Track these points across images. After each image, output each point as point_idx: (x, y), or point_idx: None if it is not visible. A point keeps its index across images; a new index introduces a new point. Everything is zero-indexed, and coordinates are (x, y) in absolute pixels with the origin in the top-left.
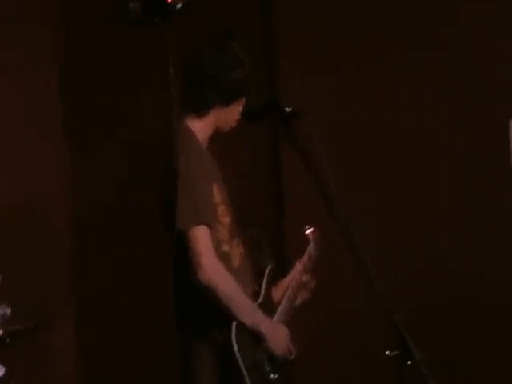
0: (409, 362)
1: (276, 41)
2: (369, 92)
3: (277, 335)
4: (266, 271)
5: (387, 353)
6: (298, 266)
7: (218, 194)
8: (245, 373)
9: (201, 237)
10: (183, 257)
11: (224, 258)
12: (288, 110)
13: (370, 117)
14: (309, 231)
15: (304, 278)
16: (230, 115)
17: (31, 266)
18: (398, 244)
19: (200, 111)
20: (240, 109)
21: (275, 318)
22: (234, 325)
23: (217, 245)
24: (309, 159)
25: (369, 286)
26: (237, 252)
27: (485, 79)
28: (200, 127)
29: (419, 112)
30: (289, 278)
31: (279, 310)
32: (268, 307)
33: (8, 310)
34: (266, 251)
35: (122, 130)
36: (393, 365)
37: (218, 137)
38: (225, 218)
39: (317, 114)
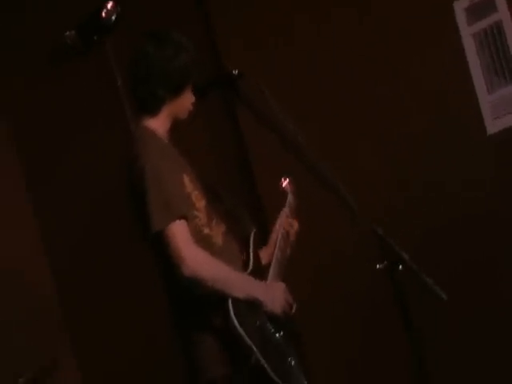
0: (400, 267)
1: (215, 25)
2: (308, 57)
3: (273, 295)
4: (251, 237)
5: (378, 266)
6: (281, 218)
7: (188, 182)
8: (250, 343)
9: (177, 232)
10: (166, 258)
11: (206, 240)
12: (235, 71)
13: (313, 80)
14: (285, 183)
15: (288, 224)
16: (183, 103)
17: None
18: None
19: (153, 110)
20: (191, 92)
21: (269, 278)
22: (229, 302)
23: (197, 231)
24: (266, 116)
25: (349, 210)
26: (218, 231)
27: None
28: (158, 124)
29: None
30: (274, 234)
31: (271, 268)
32: (259, 271)
33: None
34: (246, 219)
35: (80, 161)
36: (386, 277)
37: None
38: (200, 203)
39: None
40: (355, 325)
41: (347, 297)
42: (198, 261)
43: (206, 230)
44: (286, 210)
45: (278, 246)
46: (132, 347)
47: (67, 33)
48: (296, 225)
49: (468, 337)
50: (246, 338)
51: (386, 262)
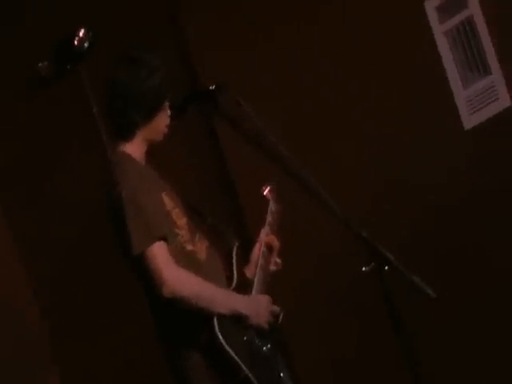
0: (386, 268)
1: (186, 31)
2: (288, 55)
3: (257, 308)
4: (233, 252)
5: (364, 269)
6: (263, 232)
7: (168, 201)
8: (237, 360)
9: (157, 254)
10: (148, 279)
11: (190, 257)
12: (211, 87)
13: (294, 79)
14: (266, 191)
15: (270, 240)
16: (157, 126)
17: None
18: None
19: (127, 135)
20: (167, 114)
21: (253, 292)
22: (214, 319)
23: (180, 248)
24: (245, 128)
25: (333, 215)
26: (201, 247)
27: None
28: (133, 148)
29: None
30: (257, 247)
31: (255, 282)
32: (244, 286)
33: None
34: (228, 233)
35: (59, 187)
36: (374, 279)
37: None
38: (181, 220)
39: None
40: (344, 329)
41: (335, 301)
42: (179, 280)
43: (190, 247)
44: (268, 219)
45: (259, 262)
46: (121, 369)
47: (40, 64)
48: (276, 242)
49: (460, 333)
50: (233, 355)
51: (372, 264)
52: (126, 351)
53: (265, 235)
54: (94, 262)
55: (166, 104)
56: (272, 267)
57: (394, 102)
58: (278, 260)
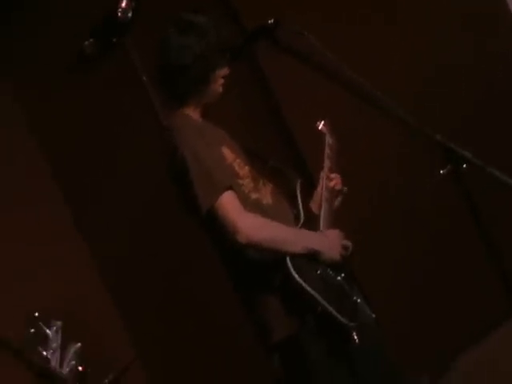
0: (464, 166)
1: None
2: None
3: (329, 243)
4: (297, 189)
5: (442, 171)
6: (325, 165)
7: (229, 153)
8: (315, 294)
9: (227, 203)
10: (221, 232)
11: (256, 205)
12: (270, 21)
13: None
14: (321, 125)
15: (332, 176)
16: (211, 91)
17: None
18: None
19: (183, 102)
20: (221, 75)
21: (321, 227)
22: (287, 260)
23: (245, 198)
24: (307, 58)
25: (406, 125)
26: (266, 192)
27: None
28: (191, 110)
29: None
30: (320, 182)
31: (322, 216)
32: (311, 222)
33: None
34: (291, 172)
35: (119, 166)
36: (450, 181)
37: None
38: (243, 170)
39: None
40: (426, 240)
41: (414, 213)
42: (252, 226)
43: (254, 195)
44: (327, 152)
45: (324, 196)
46: (201, 331)
47: (86, 42)
48: (338, 180)
49: None
50: (310, 289)
51: (448, 166)
52: (205, 314)
53: (326, 168)
54: (163, 233)
55: (216, 73)
56: (337, 200)
57: None
58: (345, 189)
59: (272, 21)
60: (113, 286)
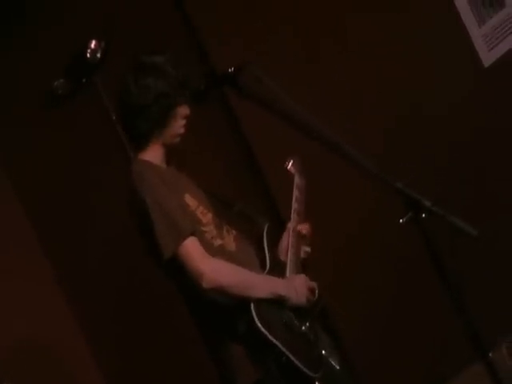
0: (423, 215)
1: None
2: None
3: (295, 288)
4: (264, 233)
5: (401, 220)
6: (293, 208)
7: (191, 200)
8: (277, 343)
9: (190, 249)
10: (184, 279)
11: (220, 251)
12: (230, 69)
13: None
14: (289, 165)
15: (299, 227)
16: (172, 130)
17: None
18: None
19: (143, 143)
20: (182, 114)
21: (288, 273)
22: (251, 306)
23: (209, 244)
24: (272, 104)
25: (366, 173)
26: (230, 239)
27: None
28: (151, 154)
29: None
30: (287, 231)
31: (288, 263)
32: (278, 268)
33: None
34: (258, 216)
35: (87, 201)
36: (412, 228)
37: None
38: (206, 216)
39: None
40: (389, 286)
41: (376, 260)
42: (216, 271)
43: (218, 242)
44: (294, 198)
45: (290, 248)
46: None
47: (56, 82)
48: (307, 228)
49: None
50: (273, 339)
51: (409, 214)
52: (170, 353)
53: (294, 212)
54: (129, 272)
55: (177, 111)
56: (302, 254)
57: (409, 50)
58: (308, 249)
59: (232, 69)
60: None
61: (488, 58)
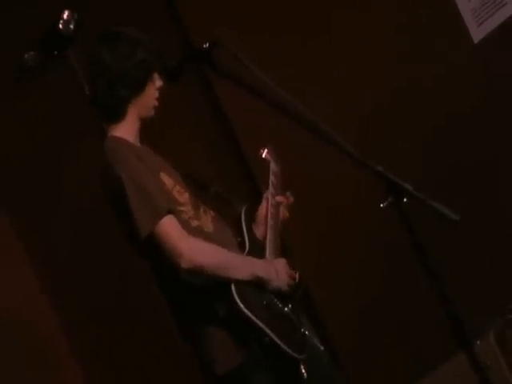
0: (405, 200)
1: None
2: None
3: (276, 271)
4: (242, 215)
5: (382, 205)
6: (268, 192)
7: (168, 179)
8: (261, 324)
9: (169, 228)
10: (162, 258)
11: (197, 231)
12: (205, 45)
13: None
14: (264, 153)
15: (278, 198)
16: (147, 101)
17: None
18: None
19: (119, 114)
20: (156, 85)
21: (267, 255)
22: (232, 287)
23: (186, 224)
24: (246, 81)
25: (347, 157)
26: (207, 219)
27: None
28: (126, 130)
29: None
30: (263, 206)
31: (267, 243)
32: (257, 249)
33: None
34: (234, 199)
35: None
36: (393, 213)
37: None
38: (183, 196)
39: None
40: (371, 272)
41: (358, 245)
42: (195, 251)
43: (195, 222)
44: (271, 180)
45: (268, 223)
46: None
47: (26, 55)
48: (286, 201)
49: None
50: (256, 320)
51: (389, 199)
52: (144, 342)
53: (270, 196)
54: (102, 252)
55: (154, 76)
56: (282, 224)
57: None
58: (287, 214)
59: (207, 44)
60: None
61: (477, 33)
